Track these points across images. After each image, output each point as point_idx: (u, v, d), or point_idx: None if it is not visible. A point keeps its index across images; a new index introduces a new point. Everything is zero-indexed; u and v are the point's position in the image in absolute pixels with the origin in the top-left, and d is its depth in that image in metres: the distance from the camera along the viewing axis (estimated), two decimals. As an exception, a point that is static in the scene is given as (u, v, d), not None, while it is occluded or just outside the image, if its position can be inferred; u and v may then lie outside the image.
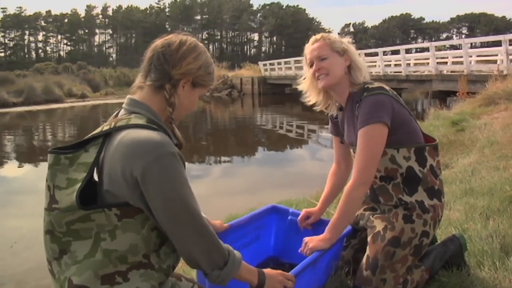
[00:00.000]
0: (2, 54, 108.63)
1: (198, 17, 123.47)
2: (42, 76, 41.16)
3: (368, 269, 2.37)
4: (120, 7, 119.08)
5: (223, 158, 12.53)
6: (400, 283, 2.37)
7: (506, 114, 8.74)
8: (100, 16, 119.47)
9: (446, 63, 21.80)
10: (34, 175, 10.72)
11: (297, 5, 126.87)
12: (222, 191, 8.30)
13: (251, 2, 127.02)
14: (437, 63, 20.03)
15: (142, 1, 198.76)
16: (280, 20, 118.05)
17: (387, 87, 2.41)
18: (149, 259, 1.60)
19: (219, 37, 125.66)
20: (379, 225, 2.46)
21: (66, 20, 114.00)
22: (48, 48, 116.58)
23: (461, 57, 18.08)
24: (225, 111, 29.10)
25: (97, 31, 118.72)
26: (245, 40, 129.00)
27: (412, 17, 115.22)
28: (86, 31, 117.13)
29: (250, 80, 39.73)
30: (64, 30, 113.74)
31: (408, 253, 2.38)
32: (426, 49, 22.21)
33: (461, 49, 18.05)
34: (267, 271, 1.88)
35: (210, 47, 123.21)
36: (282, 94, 36.26)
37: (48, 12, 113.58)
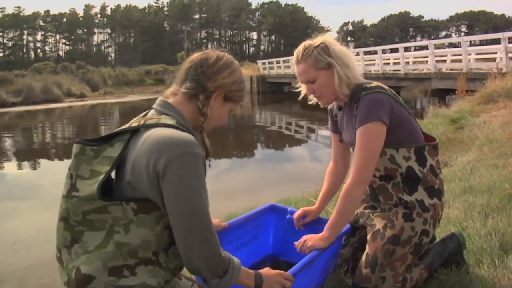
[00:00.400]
0: (1, 54, 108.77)
1: (197, 16, 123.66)
2: (40, 76, 41.24)
3: (368, 267, 2.36)
4: (118, 6, 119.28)
5: (222, 157, 12.51)
6: (399, 281, 2.36)
7: (505, 112, 8.74)
8: (99, 16, 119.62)
9: (445, 61, 21.78)
10: (33, 175, 10.73)
11: (296, 4, 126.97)
12: (221, 190, 8.29)
13: (249, 1, 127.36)
14: (436, 61, 20.02)
15: (141, 0, 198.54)
16: (278, 19, 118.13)
17: (385, 86, 2.39)
18: (158, 257, 1.62)
19: (217, 36, 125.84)
20: (379, 223, 2.45)
21: (64, 20, 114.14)
22: (46, 48, 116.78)
23: (460, 55, 18.08)
24: (224, 110, 29.03)
25: (95, 30, 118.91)
26: (244, 39, 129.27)
27: (411, 15, 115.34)
28: (85, 30, 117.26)
29: (249, 79, 39.68)
30: (63, 30, 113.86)
31: (408, 252, 2.37)
32: (425, 47, 22.16)
33: (460, 47, 18.05)
34: (265, 271, 1.88)
35: (209, 46, 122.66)
36: (281, 93, 36.28)
37: (47, 11, 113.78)
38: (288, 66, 35.76)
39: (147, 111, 1.79)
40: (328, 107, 2.72)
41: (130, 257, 1.56)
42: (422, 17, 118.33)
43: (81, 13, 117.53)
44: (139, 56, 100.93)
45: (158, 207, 1.57)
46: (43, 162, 12.54)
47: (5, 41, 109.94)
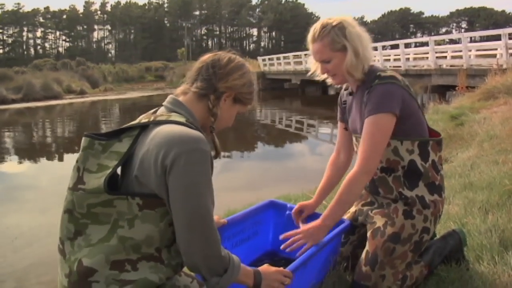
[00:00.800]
0: (1, 51, 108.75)
1: (197, 13, 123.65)
2: (40, 73, 41.27)
3: (368, 264, 2.35)
4: (118, 3, 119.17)
5: (222, 153, 12.49)
6: (399, 279, 2.35)
7: (505, 108, 8.73)
8: (99, 12, 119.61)
9: (445, 57, 21.79)
10: (34, 172, 10.73)
11: (296, 0, 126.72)
12: (221, 186, 8.27)
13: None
14: (437, 57, 20.00)
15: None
16: (279, 15, 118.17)
17: (399, 77, 2.34)
18: (161, 253, 1.62)
19: (218, 32, 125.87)
20: (379, 220, 2.43)
21: (64, 16, 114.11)
22: (46, 45, 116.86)
23: (461, 51, 18.08)
24: (224, 107, 29.02)
25: (95, 27, 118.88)
26: (244, 35, 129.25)
27: (412, 11, 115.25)
28: (85, 27, 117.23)
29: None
30: (63, 27, 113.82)
31: (408, 250, 2.36)
32: (426, 44, 22.19)
33: (461, 43, 18.03)
34: (264, 269, 1.88)
35: (209, 42, 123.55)
36: (281, 89, 36.32)
37: (47, 8, 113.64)
38: (289, 62, 35.79)
39: (156, 108, 1.80)
40: (340, 94, 2.72)
41: (133, 252, 1.56)
42: (423, 13, 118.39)
43: (81, 9, 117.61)
44: (139, 52, 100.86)
45: (163, 203, 1.57)
46: (43, 158, 12.54)
47: (4, 37, 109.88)
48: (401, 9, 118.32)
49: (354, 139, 2.59)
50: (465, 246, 2.70)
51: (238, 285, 1.76)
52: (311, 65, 2.52)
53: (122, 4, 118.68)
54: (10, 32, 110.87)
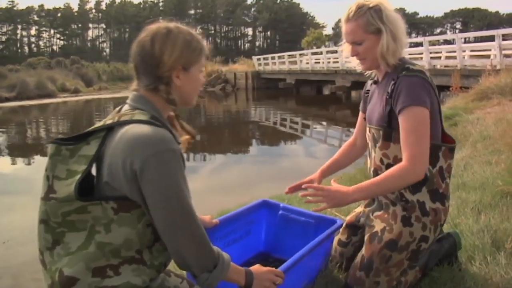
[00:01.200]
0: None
1: (192, 12, 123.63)
2: (34, 71, 41.02)
3: (362, 270, 2.32)
4: (113, 1, 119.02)
5: (216, 153, 12.49)
6: (393, 286, 2.32)
7: (499, 109, 8.77)
8: (94, 11, 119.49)
9: (439, 57, 21.83)
10: (27, 170, 10.68)
11: (291, 0, 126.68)
12: (215, 186, 8.28)
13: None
14: (431, 57, 20.04)
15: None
16: (274, 15, 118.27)
17: (427, 73, 2.25)
18: (142, 255, 1.60)
19: (213, 31, 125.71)
20: (377, 225, 2.39)
21: (59, 15, 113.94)
22: (41, 43, 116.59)
23: (455, 51, 18.10)
24: (218, 106, 29.04)
25: (90, 25, 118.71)
26: (239, 34, 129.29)
27: (406, 12, 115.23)
28: (79, 25, 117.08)
29: (244, 75, 39.69)
30: (57, 25, 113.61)
31: (405, 258, 2.31)
32: (420, 44, 22.14)
33: (455, 43, 18.06)
34: (255, 268, 1.86)
35: (204, 41, 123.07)
36: (276, 89, 36.29)
37: (41, 6, 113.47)
38: (283, 62, 35.80)
39: (121, 105, 1.75)
40: (365, 84, 2.66)
41: (112, 257, 1.54)
42: (417, 13, 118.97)
43: (75, 8, 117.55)
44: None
45: (138, 205, 1.55)
46: (37, 157, 12.45)
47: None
48: (396, 9, 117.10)
49: (367, 129, 2.50)
50: (459, 249, 2.69)
51: (229, 284, 1.75)
52: (345, 48, 2.42)
53: (117, 3, 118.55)
54: (4, 30, 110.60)
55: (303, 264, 2.24)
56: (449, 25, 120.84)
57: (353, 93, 28.89)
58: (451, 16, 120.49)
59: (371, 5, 2.22)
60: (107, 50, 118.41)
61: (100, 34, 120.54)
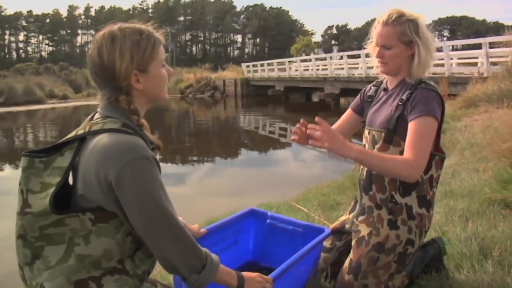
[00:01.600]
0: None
1: (182, 18, 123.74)
2: (22, 77, 40.85)
3: (351, 273, 2.35)
4: (102, 7, 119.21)
5: (205, 160, 12.48)
6: None
7: (486, 116, 8.82)
8: (83, 17, 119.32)
9: (427, 65, 21.93)
10: (15, 177, 10.59)
11: (281, 7, 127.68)
12: (204, 193, 8.26)
13: (234, 4, 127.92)
14: (419, 65, 20.11)
15: (125, 1, 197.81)
16: (263, 22, 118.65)
17: (439, 90, 2.37)
18: (124, 264, 1.57)
19: (202, 38, 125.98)
20: (364, 230, 2.44)
21: (47, 20, 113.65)
22: (29, 49, 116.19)
23: (443, 59, 18.22)
24: (207, 113, 29.03)
25: (79, 31, 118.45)
26: (228, 41, 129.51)
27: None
28: (68, 31, 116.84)
29: (233, 82, 39.74)
30: (46, 31, 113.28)
31: (392, 260, 2.35)
32: (408, 52, 22.29)
33: (443, 51, 18.18)
34: (245, 273, 1.86)
35: (194, 48, 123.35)
36: (265, 96, 36.35)
37: (29, 12, 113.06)
38: (272, 69, 35.89)
39: (93, 114, 1.71)
40: (365, 88, 2.75)
41: (93, 268, 1.51)
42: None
43: (64, 13, 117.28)
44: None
45: (116, 214, 1.52)
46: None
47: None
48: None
49: (366, 131, 2.56)
50: (444, 255, 2.70)
51: (220, 287, 1.75)
52: (369, 48, 2.51)
53: (106, 9, 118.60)
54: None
55: (292, 272, 2.23)
56: (437, 32, 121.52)
57: (342, 100, 28.98)
58: (439, 24, 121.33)
59: (410, 18, 2.32)
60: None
61: (89, 40, 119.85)
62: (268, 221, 2.77)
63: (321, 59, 31.29)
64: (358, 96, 2.75)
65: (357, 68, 26.15)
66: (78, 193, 1.52)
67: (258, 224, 2.84)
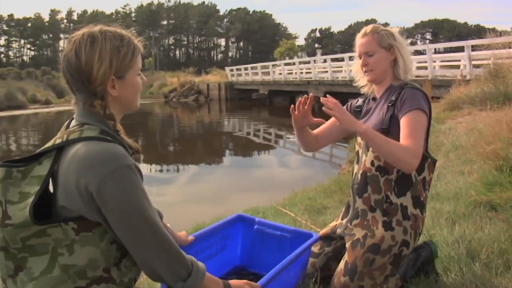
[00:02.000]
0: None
1: (165, 22, 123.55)
2: (4, 82, 40.58)
3: (346, 275, 2.36)
4: (85, 11, 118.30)
5: (190, 165, 12.44)
6: None
7: (470, 119, 8.90)
8: (65, 21, 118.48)
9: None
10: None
11: (264, 11, 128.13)
12: (189, 199, 8.23)
13: (217, 8, 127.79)
14: (402, 68, 20.25)
15: (108, 6, 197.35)
16: (247, 26, 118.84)
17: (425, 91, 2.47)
18: (110, 273, 1.54)
19: (185, 42, 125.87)
20: (358, 233, 2.45)
21: (29, 25, 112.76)
22: (10, 53, 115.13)
23: (426, 62, 18.36)
24: (192, 117, 28.99)
25: (61, 36, 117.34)
26: (212, 45, 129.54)
27: (377, 22, 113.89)
28: (50, 35, 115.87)
29: (217, 86, 39.74)
30: (27, 35, 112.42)
31: (387, 262, 2.37)
32: (391, 55, 22.46)
33: (426, 54, 18.33)
34: (232, 281, 1.84)
35: (177, 52, 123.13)
36: (249, 100, 36.40)
37: (11, 15, 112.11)
38: (256, 73, 35.93)
39: (69, 120, 1.67)
40: (351, 102, 2.79)
41: (79, 278, 1.48)
42: (388, 24, 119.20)
43: (46, 18, 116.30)
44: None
45: (99, 223, 1.49)
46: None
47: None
48: (367, 20, 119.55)
49: (359, 138, 2.61)
50: (436, 258, 2.71)
51: None
52: (355, 64, 2.65)
53: (89, 13, 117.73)
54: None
55: (281, 278, 2.21)
56: (419, 35, 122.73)
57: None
58: (421, 27, 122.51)
59: (384, 28, 2.54)
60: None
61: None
62: (255, 226, 2.75)
63: (305, 63, 31.41)
64: (347, 106, 2.78)
65: (341, 71, 26.26)
66: (59, 204, 1.49)
67: (245, 230, 2.82)
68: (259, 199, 5.61)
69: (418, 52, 21.26)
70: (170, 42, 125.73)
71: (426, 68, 18.36)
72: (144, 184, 1.56)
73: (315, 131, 2.79)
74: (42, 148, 1.54)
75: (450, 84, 13.61)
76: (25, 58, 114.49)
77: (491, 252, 2.87)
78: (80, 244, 1.47)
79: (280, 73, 33.25)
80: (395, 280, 2.44)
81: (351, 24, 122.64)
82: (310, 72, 29.32)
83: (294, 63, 33.02)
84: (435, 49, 20.03)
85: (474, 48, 15.79)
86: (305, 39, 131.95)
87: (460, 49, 17.25)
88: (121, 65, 1.58)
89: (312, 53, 56.32)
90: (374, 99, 2.63)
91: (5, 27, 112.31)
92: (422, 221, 2.47)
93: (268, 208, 4.68)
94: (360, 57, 2.55)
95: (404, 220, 2.40)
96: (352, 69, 2.72)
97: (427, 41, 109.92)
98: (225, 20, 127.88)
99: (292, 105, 2.55)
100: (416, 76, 19.43)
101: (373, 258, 2.35)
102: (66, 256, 1.46)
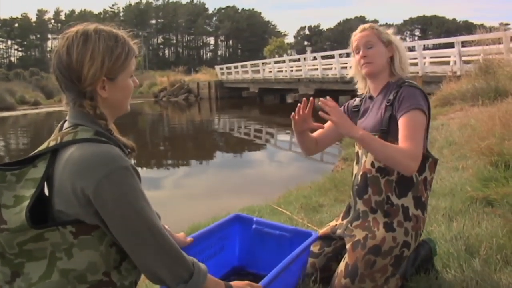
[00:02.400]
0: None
1: (153, 21, 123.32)
2: (-8, 83, 40.19)
3: (347, 277, 2.34)
4: (73, 11, 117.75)
5: (182, 165, 12.40)
6: None
7: (462, 114, 8.93)
8: (53, 21, 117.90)
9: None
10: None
11: (253, 9, 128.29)
12: (183, 199, 8.19)
13: (206, 6, 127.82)
14: (392, 64, 20.31)
15: (96, 5, 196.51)
16: (235, 24, 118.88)
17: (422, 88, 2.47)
18: (110, 276, 1.51)
19: (174, 41, 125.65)
20: (359, 234, 2.43)
21: (16, 25, 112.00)
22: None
23: (416, 58, 18.42)
24: (182, 116, 28.93)
25: (49, 36, 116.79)
26: (201, 44, 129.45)
27: (367, 19, 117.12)
28: (38, 36, 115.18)
29: (207, 84, 39.71)
30: (15, 35, 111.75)
31: (389, 263, 2.35)
32: (381, 51, 22.52)
33: (415, 50, 18.38)
34: (234, 283, 1.81)
35: (166, 51, 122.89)
36: (239, 98, 36.41)
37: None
38: (246, 71, 35.92)
39: (62, 122, 1.63)
40: (348, 103, 2.78)
41: (79, 283, 1.45)
42: (377, 21, 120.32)
43: (33, 18, 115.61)
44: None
45: (97, 226, 1.46)
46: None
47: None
48: (356, 17, 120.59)
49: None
50: (435, 256, 2.70)
51: None
52: (352, 62, 2.65)
53: (76, 13, 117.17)
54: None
55: (282, 278, 2.19)
56: (408, 32, 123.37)
57: (316, 101, 29.11)
58: (410, 24, 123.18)
59: (380, 27, 2.56)
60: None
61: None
62: (254, 226, 2.73)
63: (295, 60, 31.41)
64: (343, 106, 2.77)
65: (331, 68, 26.30)
66: (56, 208, 1.45)
67: (243, 230, 2.80)
68: (254, 198, 5.60)
69: (407, 49, 21.31)
70: (159, 41, 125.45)
71: (416, 64, 18.40)
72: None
73: (315, 134, 2.77)
74: (36, 151, 1.51)
75: (440, 80, 13.66)
76: (12, 59, 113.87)
77: (490, 248, 2.86)
78: (79, 247, 1.44)
79: (270, 71, 33.25)
80: (395, 280, 2.43)
81: (340, 21, 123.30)
82: (300, 70, 29.35)
83: (284, 61, 33.04)
84: (424, 45, 20.07)
85: (463, 44, 15.87)
86: (294, 36, 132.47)
87: (450, 45, 17.32)
88: (113, 67, 1.55)
89: (301, 51, 56.31)
90: (371, 97, 2.61)
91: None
92: (423, 221, 2.45)
93: (263, 207, 4.66)
94: (357, 51, 2.53)
95: (406, 221, 2.38)
96: (349, 72, 2.70)
97: (416, 38, 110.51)
98: (214, 18, 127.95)
99: (292, 113, 2.53)
100: (406, 73, 19.51)
101: (374, 260, 2.33)
102: (65, 260, 1.43)
